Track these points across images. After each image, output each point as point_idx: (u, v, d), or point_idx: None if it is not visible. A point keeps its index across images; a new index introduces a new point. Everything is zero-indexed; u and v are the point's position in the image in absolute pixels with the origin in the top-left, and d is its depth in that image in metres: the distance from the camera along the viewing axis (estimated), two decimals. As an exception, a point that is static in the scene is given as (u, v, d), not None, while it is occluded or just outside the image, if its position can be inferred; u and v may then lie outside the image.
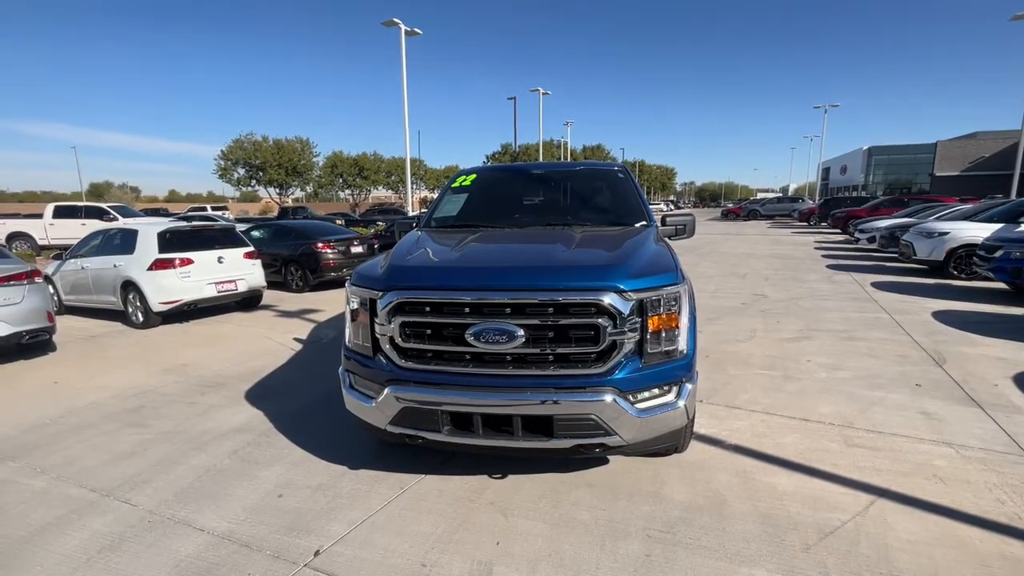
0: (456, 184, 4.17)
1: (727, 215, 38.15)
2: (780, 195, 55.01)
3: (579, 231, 3.21)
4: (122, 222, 10.82)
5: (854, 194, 44.19)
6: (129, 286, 6.69)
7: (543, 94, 30.09)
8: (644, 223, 3.50)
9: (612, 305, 2.25)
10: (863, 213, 19.11)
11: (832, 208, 23.56)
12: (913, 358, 4.71)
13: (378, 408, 2.48)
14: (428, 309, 2.37)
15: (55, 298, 7.87)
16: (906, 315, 6.38)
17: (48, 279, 8.02)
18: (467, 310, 2.32)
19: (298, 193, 52.06)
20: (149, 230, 6.86)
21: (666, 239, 3.44)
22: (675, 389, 2.43)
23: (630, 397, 2.32)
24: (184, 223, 7.59)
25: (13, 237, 16.31)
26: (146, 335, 6.47)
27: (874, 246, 13.33)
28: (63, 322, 7.39)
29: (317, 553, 2.25)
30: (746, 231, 24.23)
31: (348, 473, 2.91)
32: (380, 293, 2.47)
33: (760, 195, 79.91)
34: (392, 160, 58.41)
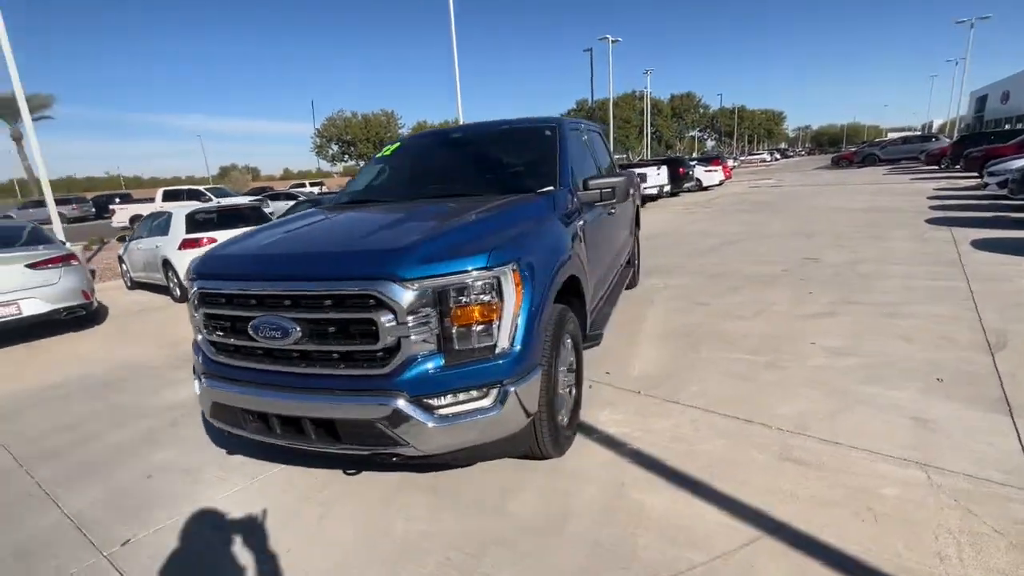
0: (380, 155, 3.91)
1: (838, 162, 33.34)
2: (906, 134, 46.60)
3: (463, 203, 2.82)
4: (170, 205, 11.97)
5: (1020, 126, 35.86)
6: (167, 264, 7.36)
7: (612, 42, 27.85)
8: (550, 188, 2.99)
9: (390, 296, 1.90)
10: (1007, 151, 15.45)
11: (968, 147, 19.43)
12: (960, 342, 3.69)
13: (200, 400, 2.40)
14: (223, 300, 2.20)
15: (127, 276, 8.96)
16: (991, 284, 5.04)
17: (120, 259, 9.13)
18: (253, 302, 2.11)
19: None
20: (180, 213, 7.44)
21: (588, 207, 2.96)
22: (493, 393, 2.05)
23: (426, 402, 1.98)
24: (212, 205, 8.14)
25: (135, 219, 18.90)
26: (182, 308, 7.13)
27: (1004, 191, 10.79)
28: (131, 297, 8.42)
29: (125, 543, 2.26)
30: (853, 180, 20.97)
31: (222, 459, 2.91)
32: (189, 282, 2.34)
33: (892, 135, 68.80)
34: (468, 123, 58.64)
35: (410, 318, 1.92)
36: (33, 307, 5.55)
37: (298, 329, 2.02)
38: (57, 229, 9.45)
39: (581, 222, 2.98)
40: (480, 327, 2.01)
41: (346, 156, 50.29)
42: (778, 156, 62.45)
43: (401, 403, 1.95)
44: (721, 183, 23.05)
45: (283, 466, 2.75)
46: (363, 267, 1.98)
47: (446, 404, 2.01)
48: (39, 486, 2.80)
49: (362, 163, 50.17)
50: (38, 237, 6.36)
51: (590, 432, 2.87)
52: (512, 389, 2.06)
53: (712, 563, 1.87)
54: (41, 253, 5.75)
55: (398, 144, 3.92)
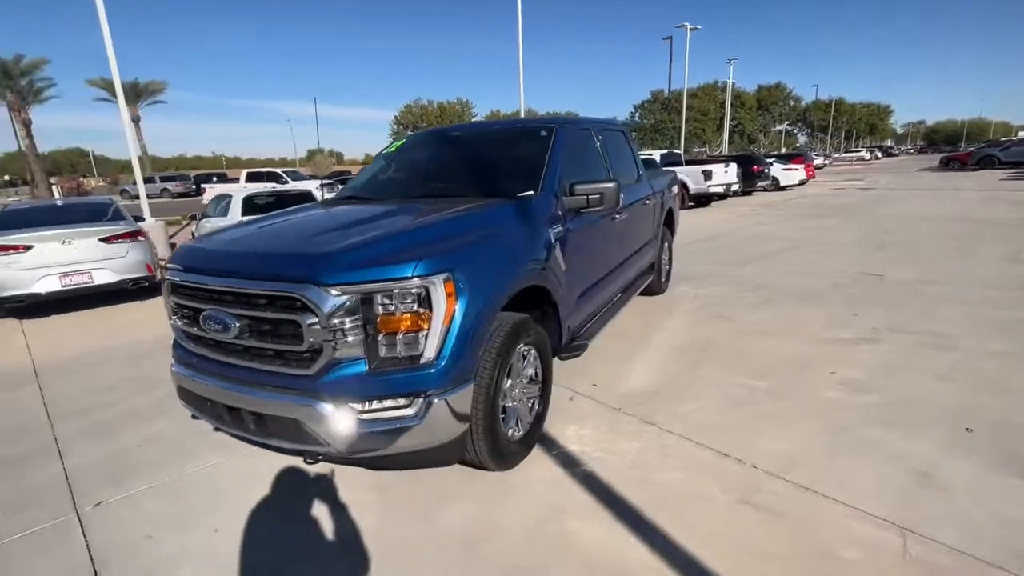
0: (386, 151, 3.96)
1: (948, 163, 29.67)
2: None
3: (437, 205, 2.80)
4: (235, 187, 12.85)
5: None
6: (225, 243, 7.97)
7: (691, 30, 26.31)
8: (529, 193, 2.90)
9: (312, 300, 1.93)
10: None
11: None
12: (1015, 388, 3.18)
13: (172, 380, 2.57)
14: (186, 291, 2.33)
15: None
16: (1082, 318, 4.30)
17: (192, 235, 10.00)
18: (205, 295, 2.22)
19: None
20: (238, 196, 8.02)
21: (570, 214, 2.85)
22: (418, 402, 2.02)
23: (349, 405, 2.00)
24: (268, 190, 8.68)
25: (222, 198, 20.62)
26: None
27: None
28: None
29: (98, 504, 2.48)
30: (959, 185, 18.62)
31: (206, 435, 3.11)
32: (164, 269, 2.50)
33: (1022, 134, 60.34)
34: (549, 114, 58.24)
35: (333, 322, 1.93)
36: (103, 277, 6.22)
37: (237, 325, 2.10)
38: (144, 206, 10.49)
39: (559, 229, 2.86)
40: (406, 336, 1.99)
41: (420, 143, 51.77)
42: (879, 154, 56.77)
43: (323, 405, 1.98)
44: (802, 183, 21.34)
45: (252, 449, 2.90)
46: (291, 270, 2.02)
47: (368, 409, 2.01)
48: (55, 441, 3.15)
49: (434, 150, 51.73)
50: (117, 214, 7.11)
51: (551, 447, 2.78)
52: (438, 400, 2.03)
53: (618, 608, 1.75)
54: (113, 228, 6.42)
55: (403, 141, 3.95)
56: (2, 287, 5.80)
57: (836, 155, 55.68)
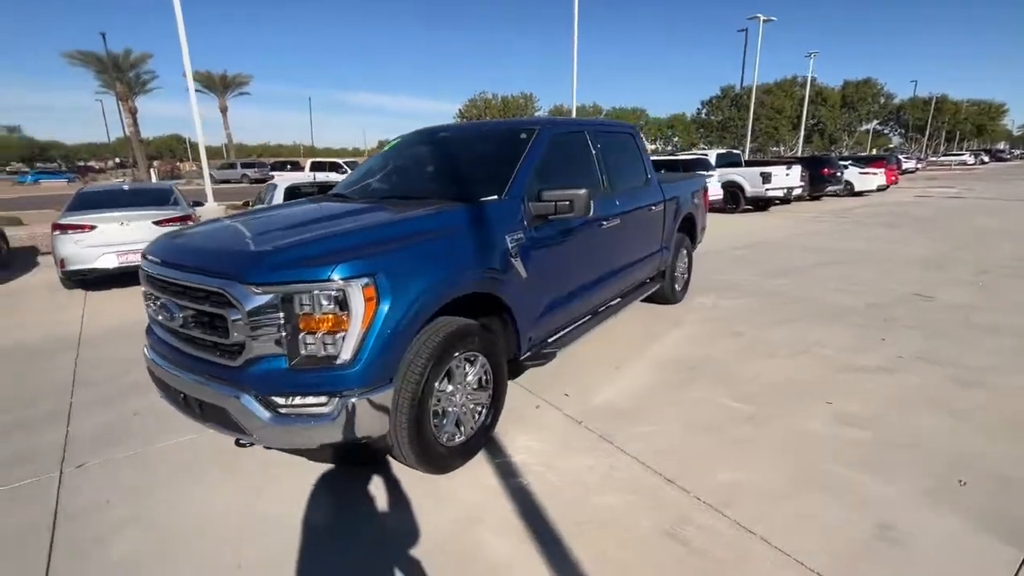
0: (386, 148, 4.04)
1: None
2: None
3: (397, 206, 2.86)
4: (284, 175, 13.54)
5: None
6: (268, 230, 8.49)
7: (764, 21, 24.64)
8: (493, 198, 2.87)
9: (235, 296, 2.02)
10: None
11: None
12: (1039, 437, 2.79)
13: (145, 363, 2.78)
14: (148, 279, 2.51)
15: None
16: None
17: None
18: (162, 285, 2.38)
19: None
20: (281, 185, 8.50)
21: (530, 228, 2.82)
22: (334, 401, 2.08)
23: (269, 399, 2.09)
24: (309, 180, 9.12)
25: (270, 187, 21.92)
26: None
27: None
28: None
29: (80, 466, 2.75)
30: (1072, 197, 16.36)
31: (194, 410, 3.36)
32: (141, 258, 2.70)
33: None
34: (614, 111, 57.03)
35: (255, 319, 2.02)
36: (154, 256, 6.82)
37: (181, 315, 2.25)
38: (208, 191, 11.41)
39: (520, 236, 2.81)
40: (324, 337, 2.04)
41: (483, 137, 52.27)
42: (985, 158, 50.95)
43: (245, 397, 2.08)
44: (881, 189, 19.60)
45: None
46: (223, 266, 2.13)
47: (287, 404, 2.09)
48: (70, 406, 3.51)
49: (496, 144, 52.12)
50: (175, 200, 7.75)
51: (497, 454, 2.76)
52: (354, 400, 2.08)
53: (493, 629, 1.73)
54: (166, 213, 7.01)
55: (398, 140, 4.02)
56: (70, 261, 6.51)
57: (933, 158, 50.56)
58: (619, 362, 3.95)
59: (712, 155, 15.37)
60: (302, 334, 2.05)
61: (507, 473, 2.60)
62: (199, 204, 9.26)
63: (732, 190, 14.35)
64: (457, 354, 2.48)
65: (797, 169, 14.50)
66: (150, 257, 2.54)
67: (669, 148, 58.70)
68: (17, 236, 10.78)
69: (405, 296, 2.17)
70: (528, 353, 3.05)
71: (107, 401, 3.55)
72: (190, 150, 74.98)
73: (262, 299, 2.02)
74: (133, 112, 38.76)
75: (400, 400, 2.24)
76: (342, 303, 2.03)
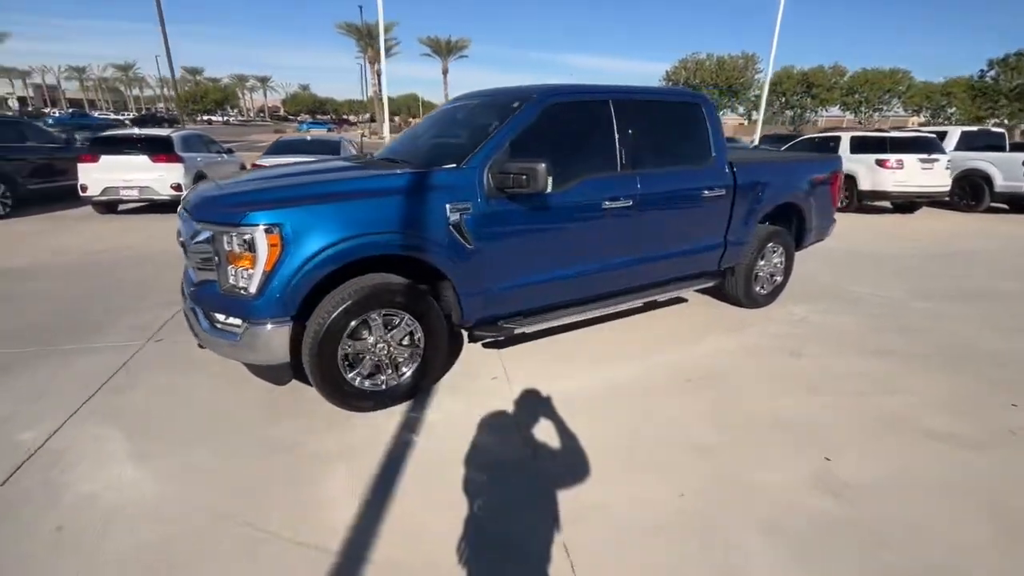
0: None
1: None
2: None
3: (383, 170, 3.11)
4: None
5: None
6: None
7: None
8: (451, 166, 2.91)
9: (188, 230, 2.56)
10: None
11: None
12: None
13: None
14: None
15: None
16: None
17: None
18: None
19: (730, 114, 49.79)
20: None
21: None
22: (243, 326, 2.52)
23: (208, 313, 2.63)
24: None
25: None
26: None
27: None
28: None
29: (159, 340, 3.79)
30: None
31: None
32: None
33: None
34: (861, 73, 46.89)
35: (200, 248, 2.54)
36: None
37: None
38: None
39: (468, 206, 2.82)
40: (239, 271, 2.46)
41: (688, 101, 48.15)
42: None
43: (198, 310, 2.66)
44: None
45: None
46: (193, 207, 2.70)
47: (218, 321, 2.61)
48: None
49: (702, 110, 47.52)
50: (342, 150, 9.29)
51: (416, 408, 2.94)
52: (255, 328, 2.49)
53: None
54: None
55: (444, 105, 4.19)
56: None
57: None
58: (618, 357, 3.66)
59: (955, 133, 11.73)
60: (227, 266, 2.50)
61: (407, 426, 2.78)
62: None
63: (975, 181, 10.90)
64: (377, 309, 2.70)
65: (941, 163, 10.17)
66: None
67: (940, 122, 46.06)
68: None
69: (308, 247, 2.46)
70: (474, 324, 3.10)
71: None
72: (421, 107, 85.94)
73: (204, 234, 2.53)
74: (378, 74, 45.97)
75: (306, 338, 2.59)
76: (251, 245, 2.42)
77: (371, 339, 2.77)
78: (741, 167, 4.07)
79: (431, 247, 2.76)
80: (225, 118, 66.39)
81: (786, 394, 3.21)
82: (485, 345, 3.78)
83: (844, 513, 2.20)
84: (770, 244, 4.51)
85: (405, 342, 2.91)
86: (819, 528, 2.11)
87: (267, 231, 2.40)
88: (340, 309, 2.58)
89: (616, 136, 3.40)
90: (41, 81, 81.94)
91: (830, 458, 2.57)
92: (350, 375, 2.75)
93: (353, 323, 2.66)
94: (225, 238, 2.46)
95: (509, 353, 3.67)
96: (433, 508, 2.18)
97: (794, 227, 4.83)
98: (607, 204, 3.31)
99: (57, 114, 50.03)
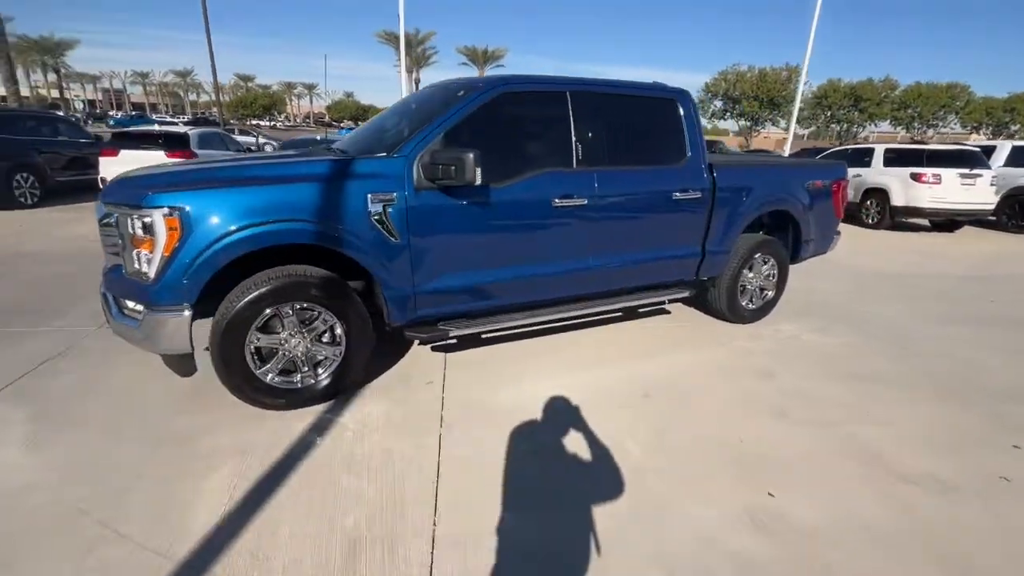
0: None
1: None
2: None
3: (316, 156, 3.00)
4: None
5: None
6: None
7: None
8: (381, 155, 2.77)
9: (108, 215, 2.49)
10: None
11: None
12: None
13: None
14: None
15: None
16: None
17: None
18: None
19: (771, 128, 48.29)
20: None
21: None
22: (142, 311, 2.42)
23: (117, 299, 2.55)
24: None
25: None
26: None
27: None
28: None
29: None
30: None
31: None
32: None
33: None
34: (914, 87, 44.60)
35: (106, 230, 2.47)
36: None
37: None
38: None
39: (392, 197, 2.65)
40: (141, 254, 2.36)
41: (727, 114, 47.12)
42: None
43: (107, 293, 2.59)
44: None
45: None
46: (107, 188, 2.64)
47: (124, 307, 2.52)
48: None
49: (741, 123, 46.21)
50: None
51: (336, 409, 2.77)
52: (152, 315, 2.38)
53: (122, 539, 1.86)
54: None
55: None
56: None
57: None
58: (580, 364, 3.41)
59: (1005, 147, 10.85)
60: (131, 250, 2.41)
61: (317, 426, 2.61)
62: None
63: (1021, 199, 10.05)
64: (290, 302, 2.56)
65: (984, 179, 9.20)
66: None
67: (1000, 139, 43.30)
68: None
69: (209, 233, 2.34)
70: (403, 324, 2.92)
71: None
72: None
73: (110, 218, 2.45)
74: (417, 82, 46.98)
75: (212, 328, 2.47)
76: (149, 228, 2.32)
77: (284, 334, 2.63)
78: (722, 169, 3.76)
79: (348, 239, 2.60)
80: (272, 123, 69.31)
81: (748, 418, 2.89)
82: (434, 348, 3.60)
83: (765, 556, 1.89)
84: (758, 255, 4.16)
85: (325, 339, 2.76)
86: (727, 572, 1.81)
87: (167, 214, 2.30)
88: (246, 300, 2.45)
89: (572, 130, 3.18)
90: (109, 85, 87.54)
91: (774, 494, 2.25)
92: (260, 371, 2.61)
93: (264, 315, 2.53)
94: (128, 220, 2.37)
95: (458, 358, 3.48)
96: (307, 517, 2.00)
97: (790, 238, 4.46)
98: (558, 202, 3.09)
99: (119, 116, 53.48)
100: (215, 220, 2.36)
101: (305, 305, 2.62)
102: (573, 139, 3.18)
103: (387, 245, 2.70)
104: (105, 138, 10.77)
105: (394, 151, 2.76)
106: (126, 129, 9.89)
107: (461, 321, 3.15)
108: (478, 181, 2.61)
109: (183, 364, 2.67)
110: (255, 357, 2.59)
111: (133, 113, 62.26)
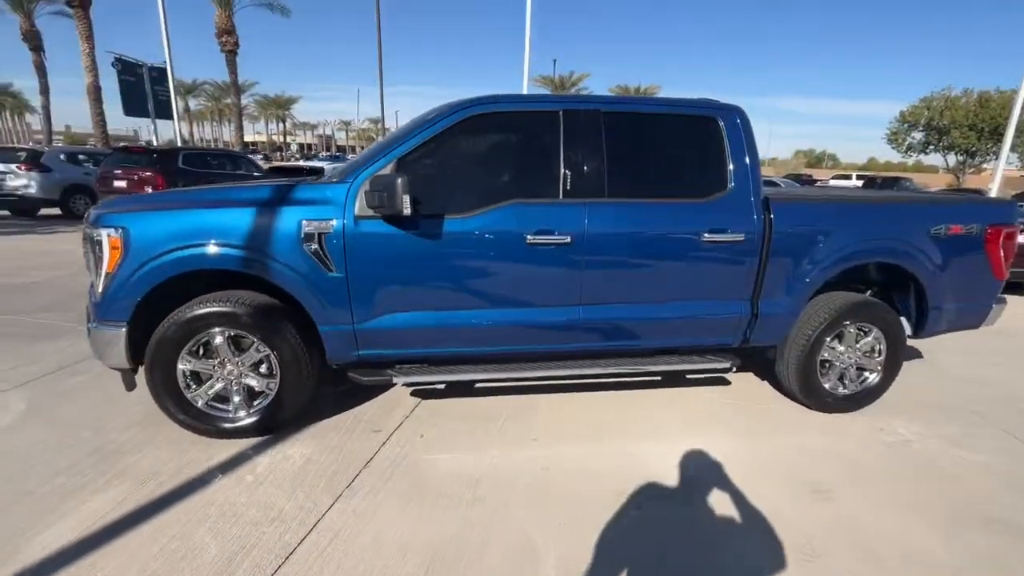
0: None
1: None
2: None
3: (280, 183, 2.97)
4: None
5: None
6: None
7: None
8: (326, 181, 2.61)
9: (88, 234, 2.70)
10: None
11: None
12: None
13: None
14: None
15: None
16: None
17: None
18: None
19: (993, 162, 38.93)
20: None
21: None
22: (91, 323, 2.53)
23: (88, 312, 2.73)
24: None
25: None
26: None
27: None
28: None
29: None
30: None
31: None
32: None
33: None
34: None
35: (86, 247, 2.65)
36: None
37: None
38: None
39: (329, 225, 2.43)
40: (96, 271, 2.49)
41: (929, 147, 39.46)
42: None
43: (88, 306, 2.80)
44: None
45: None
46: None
47: (91, 319, 2.68)
48: None
49: (950, 157, 38.05)
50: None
51: (264, 446, 2.60)
52: (95, 329, 2.48)
53: None
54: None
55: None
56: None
57: None
58: (572, 435, 2.80)
59: None
60: (92, 266, 2.55)
61: (231, 462, 2.45)
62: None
63: None
64: (221, 326, 2.49)
65: None
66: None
67: None
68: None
69: (142, 254, 2.38)
70: (344, 363, 2.67)
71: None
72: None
73: (88, 235, 2.65)
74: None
75: (147, 348, 2.50)
76: (99, 246, 2.43)
77: (216, 360, 2.57)
78: (784, 206, 2.86)
79: (275, 267, 2.45)
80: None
81: (757, 552, 2.01)
82: (413, 393, 3.28)
83: None
84: (852, 321, 3.06)
85: (263, 369, 2.63)
86: None
87: (111, 234, 2.40)
88: (176, 320, 2.44)
89: (561, 156, 2.67)
90: (322, 132, 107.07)
91: None
92: (190, 394, 2.56)
93: (196, 338, 2.49)
94: (89, 238, 2.53)
95: (435, 406, 3.11)
96: (131, 565, 1.80)
97: (912, 303, 3.24)
98: (532, 238, 2.59)
99: (324, 154, 65.11)
100: (148, 241, 2.39)
101: (239, 332, 2.52)
102: (561, 166, 2.66)
103: (321, 276, 2.49)
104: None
105: (343, 177, 2.57)
106: (281, 164, 11.64)
107: (419, 367, 2.80)
108: (406, 211, 2.30)
109: (126, 379, 2.76)
110: (188, 380, 2.55)
111: (335, 154, 75.04)
